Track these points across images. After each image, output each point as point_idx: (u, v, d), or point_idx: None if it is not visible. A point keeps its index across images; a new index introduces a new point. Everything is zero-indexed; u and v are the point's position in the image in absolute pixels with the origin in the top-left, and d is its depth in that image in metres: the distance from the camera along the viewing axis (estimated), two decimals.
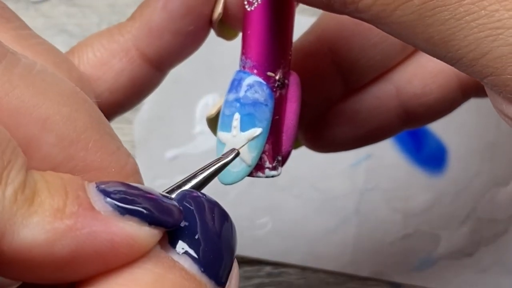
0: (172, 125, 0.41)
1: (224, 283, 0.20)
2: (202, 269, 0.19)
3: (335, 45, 0.28)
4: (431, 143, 0.42)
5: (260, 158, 0.25)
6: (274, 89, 0.25)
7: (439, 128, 0.42)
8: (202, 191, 0.22)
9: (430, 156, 0.42)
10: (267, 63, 0.24)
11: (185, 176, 0.22)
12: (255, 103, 0.24)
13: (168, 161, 0.41)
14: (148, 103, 0.41)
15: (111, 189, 0.18)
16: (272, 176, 0.26)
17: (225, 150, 0.25)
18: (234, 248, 0.20)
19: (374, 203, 0.42)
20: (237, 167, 0.25)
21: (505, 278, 0.42)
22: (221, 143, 0.25)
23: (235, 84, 0.25)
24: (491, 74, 0.19)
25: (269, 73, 0.25)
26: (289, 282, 0.42)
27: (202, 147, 0.41)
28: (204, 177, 0.22)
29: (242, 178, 0.25)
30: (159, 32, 0.26)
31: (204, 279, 0.19)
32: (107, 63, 0.26)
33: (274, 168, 0.26)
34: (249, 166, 0.25)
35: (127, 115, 0.42)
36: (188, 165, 0.41)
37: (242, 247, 0.41)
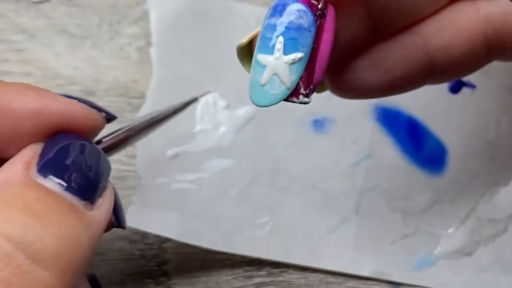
0: (172, 124, 0.41)
1: (91, 200, 0.26)
2: (65, 187, 0.25)
3: None
4: (431, 143, 0.42)
5: (296, 84, 0.26)
6: (315, 17, 0.26)
7: (439, 128, 0.42)
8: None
9: (430, 156, 0.42)
10: None
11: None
12: (299, 28, 0.25)
13: (169, 159, 0.41)
14: (149, 102, 0.41)
15: None
16: (305, 103, 0.26)
17: (265, 72, 0.25)
18: (102, 173, 0.27)
19: (374, 202, 0.42)
20: (276, 89, 0.25)
21: (504, 277, 0.42)
22: (260, 65, 0.25)
23: (278, 9, 0.25)
24: None
25: (313, 1, 0.26)
26: (289, 281, 0.42)
27: (203, 145, 0.41)
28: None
29: (279, 101, 0.26)
30: None
31: (67, 195, 0.25)
32: None
33: (307, 95, 0.26)
34: (288, 89, 0.25)
35: (127, 114, 0.42)
36: (188, 163, 0.41)
37: (243, 247, 0.41)
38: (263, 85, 0.25)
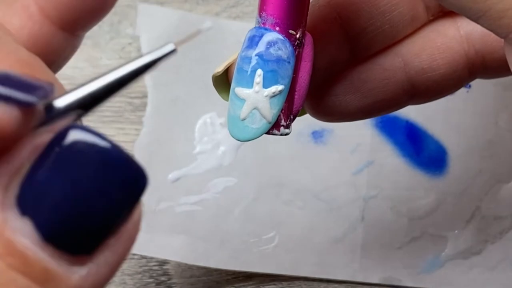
0: (172, 147, 0.41)
1: (88, 254, 0.16)
2: (45, 237, 0.15)
3: (344, 11, 0.28)
4: (430, 145, 0.42)
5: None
6: (294, 47, 0.25)
7: (437, 129, 0.42)
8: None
9: (430, 159, 0.42)
10: (289, 21, 0.25)
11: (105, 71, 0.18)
12: (278, 60, 0.24)
13: (171, 183, 0.41)
14: (147, 127, 0.41)
15: None
16: (286, 134, 0.26)
17: (245, 106, 0.25)
18: (124, 203, 0.16)
19: (378, 209, 0.42)
20: (257, 124, 0.25)
21: None
22: (239, 99, 0.25)
23: (255, 40, 0.24)
24: None
25: (291, 31, 0.25)
26: (289, 281, 0.42)
27: (204, 166, 0.41)
28: (130, 72, 0.18)
29: (261, 135, 0.25)
30: None
31: (43, 254, 0.15)
32: (8, 22, 0.23)
33: (287, 126, 0.26)
34: (269, 123, 0.25)
35: (127, 114, 0.42)
36: (191, 185, 0.41)
37: (251, 264, 0.41)
38: (243, 120, 0.25)
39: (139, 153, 0.41)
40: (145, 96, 0.42)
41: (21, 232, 0.15)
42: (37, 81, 0.16)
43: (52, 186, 0.15)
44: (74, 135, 0.15)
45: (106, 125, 0.42)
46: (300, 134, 0.42)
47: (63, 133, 0.15)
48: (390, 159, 0.42)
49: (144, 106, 0.42)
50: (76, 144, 0.15)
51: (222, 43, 0.42)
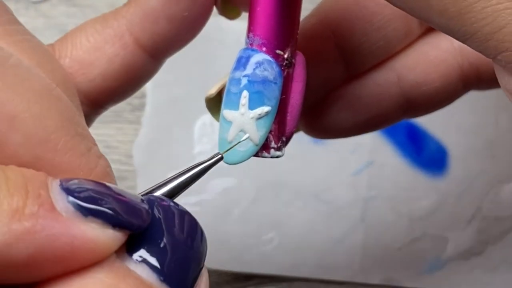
0: (171, 147, 0.41)
1: None
2: (161, 278, 0.18)
3: (338, 28, 0.28)
4: (431, 145, 0.42)
5: (266, 138, 0.25)
6: (282, 68, 0.24)
7: (438, 129, 0.42)
8: (184, 193, 0.23)
9: (431, 159, 0.42)
10: (276, 41, 0.24)
11: (164, 179, 0.22)
12: (264, 81, 0.24)
13: None
14: (146, 127, 0.41)
15: (75, 187, 0.17)
16: (277, 157, 0.25)
17: (231, 129, 0.24)
18: (202, 256, 0.20)
19: (379, 209, 0.42)
20: (244, 146, 0.24)
21: None
22: (226, 121, 0.24)
23: (242, 62, 0.24)
24: (506, 50, 0.19)
25: (278, 51, 0.24)
26: (289, 282, 0.42)
27: None
28: (185, 180, 0.22)
29: (249, 158, 0.24)
30: (153, 17, 0.25)
31: None
32: (100, 48, 0.25)
33: (279, 149, 0.25)
34: (257, 145, 0.24)
35: (126, 114, 0.42)
36: (190, 186, 0.41)
37: (250, 264, 0.41)
38: (230, 142, 0.24)
39: (138, 153, 0.41)
40: (144, 96, 0.42)
41: (143, 274, 0.18)
42: (145, 209, 0.18)
43: (157, 238, 0.19)
44: (166, 202, 0.19)
45: (105, 125, 0.42)
46: (300, 134, 0.42)
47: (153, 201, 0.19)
48: (390, 159, 0.42)
49: (143, 106, 0.42)
50: (169, 207, 0.19)
51: (222, 43, 0.42)
